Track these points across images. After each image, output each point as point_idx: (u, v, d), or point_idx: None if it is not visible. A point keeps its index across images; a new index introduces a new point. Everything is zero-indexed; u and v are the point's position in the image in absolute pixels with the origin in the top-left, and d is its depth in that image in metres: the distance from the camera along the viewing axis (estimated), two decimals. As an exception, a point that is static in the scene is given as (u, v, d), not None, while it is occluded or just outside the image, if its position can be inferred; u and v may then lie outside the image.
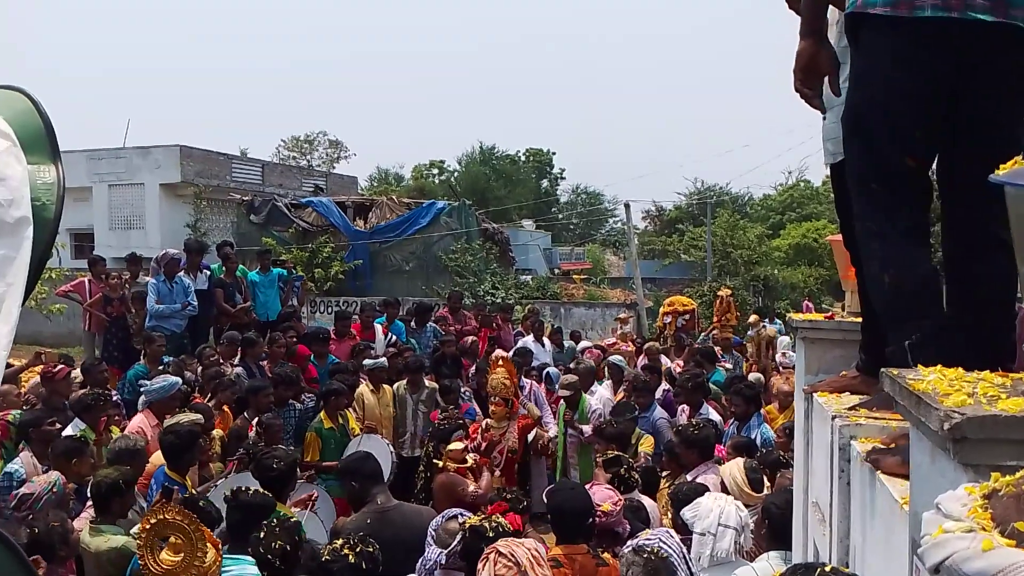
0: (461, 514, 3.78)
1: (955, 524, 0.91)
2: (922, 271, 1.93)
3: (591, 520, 3.82)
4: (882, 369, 1.53)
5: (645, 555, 3.10)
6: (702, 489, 4.36)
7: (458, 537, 3.50)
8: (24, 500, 4.08)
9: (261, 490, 4.05)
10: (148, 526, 3.03)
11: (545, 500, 4.02)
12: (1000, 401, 1.19)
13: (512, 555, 3.19)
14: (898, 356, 1.83)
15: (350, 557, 3.15)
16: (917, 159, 1.96)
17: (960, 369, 1.43)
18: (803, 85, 2.18)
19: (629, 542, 3.50)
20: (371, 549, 3.24)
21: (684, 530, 3.83)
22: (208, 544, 3.10)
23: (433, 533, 3.71)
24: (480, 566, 3.26)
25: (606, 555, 3.73)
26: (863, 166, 2.04)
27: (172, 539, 3.03)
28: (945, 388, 1.28)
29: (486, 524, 3.47)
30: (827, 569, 1.13)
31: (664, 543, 3.35)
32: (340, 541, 3.22)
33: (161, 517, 3.03)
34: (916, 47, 1.90)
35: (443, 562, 3.55)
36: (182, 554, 3.00)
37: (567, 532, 3.75)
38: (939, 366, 1.45)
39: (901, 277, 1.93)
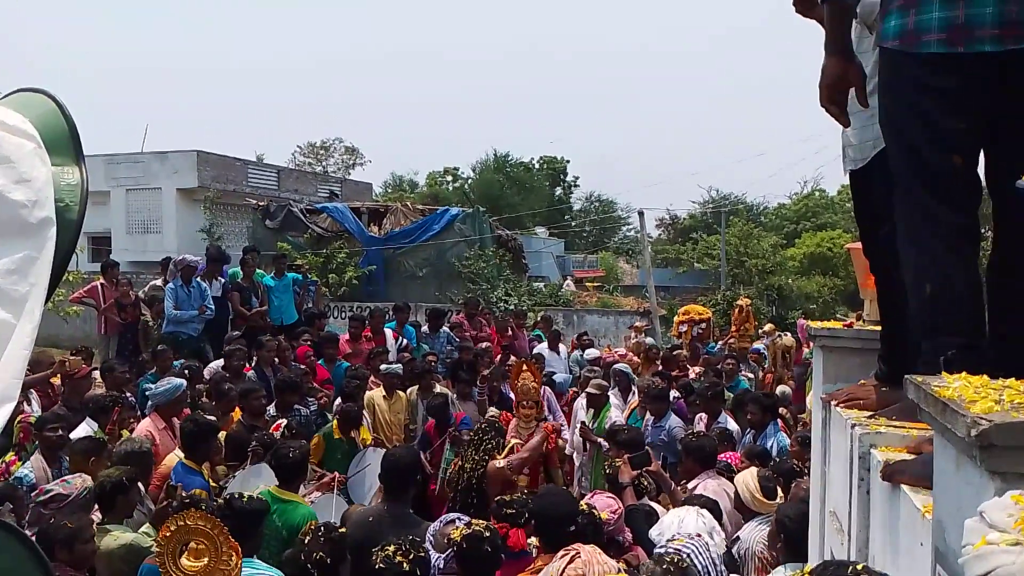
0: (459, 518, 3.77)
1: (1000, 536, 0.88)
2: (963, 282, 1.85)
3: (575, 527, 3.67)
4: (906, 375, 1.51)
5: (664, 565, 3.08)
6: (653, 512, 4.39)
7: (454, 543, 3.47)
8: (56, 499, 4.08)
9: (255, 496, 4.00)
10: (169, 532, 2.97)
11: (530, 505, 3.99)
12: (1028, 408, 1.17)
13: (587, 564, 3.25)
14: (931, 368, 1.76)
15: (404, 565, 3.11)
16: (963, 156, 1.87)
17: (985, 376, 1.41)
18: (829, 101, 2.13)
19: (658, 549, 3.50)
20: (423, 554, 3.21)
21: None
22: (231, 549, 3.07)
23: (431, 538, 3.70)
24: (555, 555, 3.33)
25: None
26: (904, 168, 1.97)
27: (193, 544, 2.97)
28: (971, 395, 1.26)
29: (481, 529, 3.46)
30: (859, 568, 1.11)
31: (696, 549, 3.35)
32: (392, 548, 3.17)
33: (183, 523, 2.97)
34: (932, 74, 1.87)
35: (441, 567, 3.54)
36: (206, 559, 2.95)
37: (549, 539, 3.64)
38: (964, 373, 1.43)
39: (941, 287, 1.86)
